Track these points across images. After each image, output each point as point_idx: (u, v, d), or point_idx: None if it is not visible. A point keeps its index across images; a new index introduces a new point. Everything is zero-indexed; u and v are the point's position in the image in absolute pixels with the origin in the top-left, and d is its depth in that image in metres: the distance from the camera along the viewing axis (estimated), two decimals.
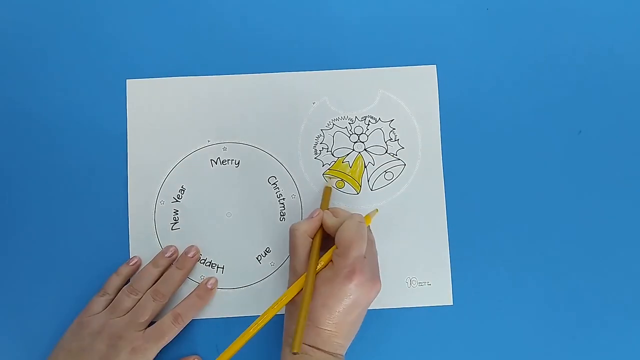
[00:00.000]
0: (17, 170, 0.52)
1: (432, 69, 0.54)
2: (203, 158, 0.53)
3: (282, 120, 0.53)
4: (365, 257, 0.45)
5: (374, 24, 0.54)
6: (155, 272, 0.50)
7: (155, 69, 0.54)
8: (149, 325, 0.48)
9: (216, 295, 0.51)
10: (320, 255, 0.47)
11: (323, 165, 0.53)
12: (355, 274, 0.44)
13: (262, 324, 0.44)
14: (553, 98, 0.54)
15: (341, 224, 0.47)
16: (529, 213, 0.53)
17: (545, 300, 0.52)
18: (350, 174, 0.53)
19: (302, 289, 0.45)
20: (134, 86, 0.53)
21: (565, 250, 0.52)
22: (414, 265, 0.52)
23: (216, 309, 0.51)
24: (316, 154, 0.53)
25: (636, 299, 0.52)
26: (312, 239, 0.48)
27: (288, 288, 0.46)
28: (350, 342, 0.46)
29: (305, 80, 0.54)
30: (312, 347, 0.44)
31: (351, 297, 0.44)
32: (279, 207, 0.52)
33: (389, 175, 0.53)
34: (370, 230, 0.50)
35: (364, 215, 0.49)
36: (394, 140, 0.53)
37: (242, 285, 0.52)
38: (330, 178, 0.53)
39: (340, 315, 0.44)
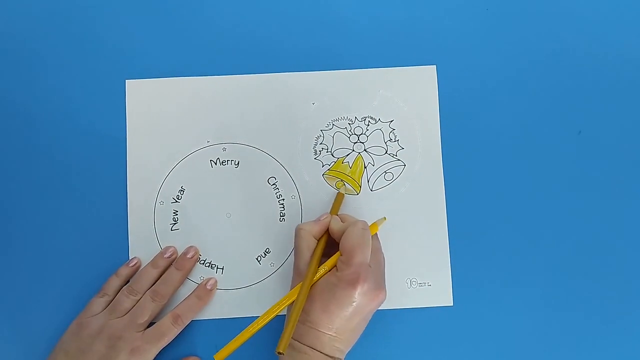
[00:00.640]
0: (17, 170, 0.52)
1: (432, 70, 0.54)
2: (203, 158, 0.53)
3: (281, 121, 0.53)
4: (370, 266, 0.45)
5: (374, 25, 0.54)
6: (154, 272, 0.50)
7: (154, 70, 0.53)
8: (148, 326, 0.48)
9: (216, 295, 0.51)
10: (324, 260, 0.47)
11: (323, 166, 0.53)
12: (358, 281, 0.44)
13: (263, 323, 0.44)
14: (553, 98, 0.54)
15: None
16: (529, 213, 0.53)
17: (546, 301, 0.52)
18: (350, 175, 0.53)
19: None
20: (133, 86, 0.53)
21: (565, 251, 0.52)
22: (414, 266, 0.52)
23: (216, 309, 0.51)
24: (316, 154, 0.53)
25: (637, 299, 0.52)
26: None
27: (291, 288, 0.46)
28: (351, 347, 0.46)
29: (305, 80, 0.54)
30: (311, 348, 0.44)
31: (354, 304, 0.44)
32: (278, 208, 0.52)
33: (389, 176, 0.53)
34: (377, 238, 0.49)
35: (370, 223, 0.48)
36: (393, 140, 0.53)
37: (242, 286, 0.52)
38: (331, 179, 0.53)
39: (341, 321, 0.44)
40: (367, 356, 0.51)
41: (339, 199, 0.52)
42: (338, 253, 0.46)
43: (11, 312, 0.51)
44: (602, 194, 0.53)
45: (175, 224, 0.52)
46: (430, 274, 0.52)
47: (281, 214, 0.52)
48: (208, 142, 0.53)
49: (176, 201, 0.52)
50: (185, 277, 0.51)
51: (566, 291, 0.52)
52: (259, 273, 0.52)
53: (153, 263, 0.50)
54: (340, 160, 0.53)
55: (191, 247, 0.51)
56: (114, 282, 0.50)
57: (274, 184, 0.53)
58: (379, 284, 0.45)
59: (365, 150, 0.53)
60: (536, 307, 0.52)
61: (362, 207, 0.53)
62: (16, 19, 0.54)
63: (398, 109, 0.54)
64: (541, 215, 0.53)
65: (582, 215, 0.53)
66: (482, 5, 0.55)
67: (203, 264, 0.52)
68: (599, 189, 0.53)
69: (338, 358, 0.45)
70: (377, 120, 0.54)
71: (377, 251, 0.47)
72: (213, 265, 0.52)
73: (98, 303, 0.49)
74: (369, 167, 0.53)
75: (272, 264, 0.52)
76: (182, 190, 0.52)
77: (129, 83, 0.53)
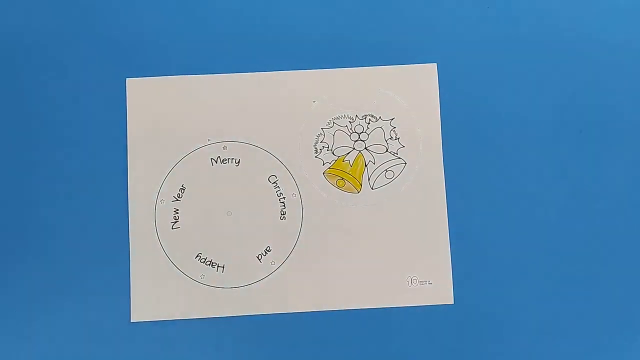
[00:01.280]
0: (16, 169, 0.52)
1: (432, 68, 0.54)
2: (203, 157, 0.53)
3: (282, 119, 0.53)
4: None
5: (374, 22, 0.54)
6: None
7: (155, 68, 0.53)
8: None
9: (216, 294, 0.51)
10: None
11: (323, 164, 0.53)
12: None
13: None
14: (554, 97, 0.54)
15: None
16: (530, 212, 0.53)
17: (547, 300, 0.52)
18: (350, 173, 0.53)
19: None
20: (134, 85, 0.53)
21: (566, 250, 0.52)
22: (415, 264, 0.52)
23: (216, 308, 0.51)
24: (316, 152, 0.53)
25: (637, 299, 0.52)
26: None
27: None
28: None
29: (305, 78, 0.54)
30: None
31: None
32: (279, 206, 0.52)
33: (389, 174, 0.53)
34: None
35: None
36: (394, 139, 0.53)
37: (243, 285, 0.52)
38: (332, 178, 0.53)
39: None
40: (368, 355, 0.51)
41: None
42: None
43: (11, 311, 0.51)
44: (602, 193, 0.53)
45: (175, 222, 0.52)
46: (431, 272, 0.52)
47: (282, 213, 0.52)
48: (208, 140, 0.53)
49: (177, 199, 0.52)
50: None
51: (568, 290, 0.52)
52: (260, 271, 0.52)
53: None
54: (340, 159, 0.53)
55: None
56: None
57: (274, 183, 0.53)
58: None
59: (365, 148, 0.53)
60: (537, 306, 0.52)
61: (363, 205, 0.53)
62: (15, 19, 0.54)
63: (399, 107, 0.54)
64: (542, 213, 0.53)
65: (583, 214, 0.53)
66: (483, 4, 0.55)
67: (204, 262, 0.52)
68: (599, 189, 0.53)
69: None
70: (378, 118, 0.54)
71: None
72: (213, 264, 0.52)
73: None
74: (370, 165, 0.53)
75: (272, 263, 0.52)
76: (182, 189, 0.52)
77: (129, 81, 0.53)
